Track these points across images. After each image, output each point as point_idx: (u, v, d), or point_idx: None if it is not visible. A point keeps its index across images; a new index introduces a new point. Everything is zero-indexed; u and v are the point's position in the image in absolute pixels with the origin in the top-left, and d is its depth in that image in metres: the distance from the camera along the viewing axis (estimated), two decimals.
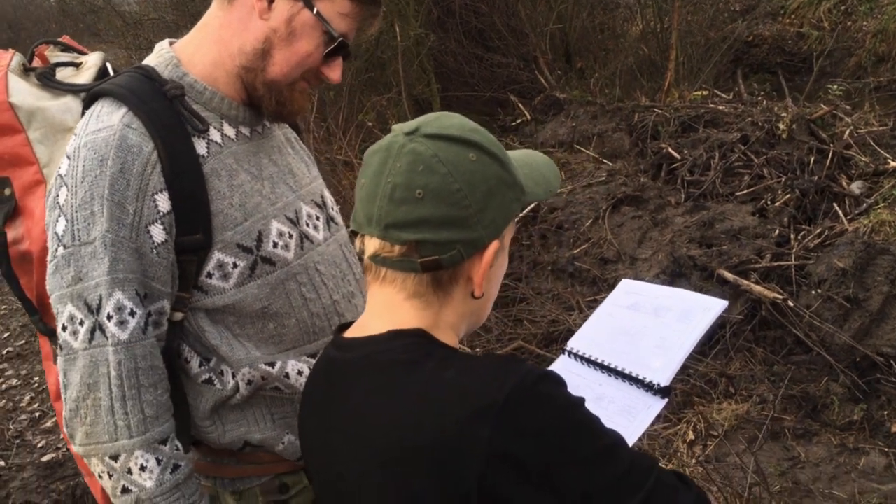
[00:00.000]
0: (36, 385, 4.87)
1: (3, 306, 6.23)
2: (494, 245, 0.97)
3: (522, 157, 1.08)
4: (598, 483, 0.88)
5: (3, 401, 4.74)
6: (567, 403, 0.91)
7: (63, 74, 1.58)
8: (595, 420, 0.93)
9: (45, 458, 4.01)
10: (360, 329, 1.04)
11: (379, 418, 0.94)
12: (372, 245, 0.98)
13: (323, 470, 1.07)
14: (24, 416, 4.51)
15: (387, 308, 1.01)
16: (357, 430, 0.97)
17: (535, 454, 0.87)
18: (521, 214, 5.01)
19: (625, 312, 1.48)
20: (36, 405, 4.61)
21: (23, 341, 5.56)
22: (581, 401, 0.93)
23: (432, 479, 0.88)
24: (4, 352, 5.46)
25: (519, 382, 0.88)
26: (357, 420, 0.97)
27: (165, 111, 1.26)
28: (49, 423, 4.36)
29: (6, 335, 5.77)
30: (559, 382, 0.93)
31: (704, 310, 1.38)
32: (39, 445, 4.17)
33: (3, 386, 4.94)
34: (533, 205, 5.05)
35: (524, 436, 0.86)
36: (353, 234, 1.02)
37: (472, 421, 0.86)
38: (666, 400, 1.30)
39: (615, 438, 0.93)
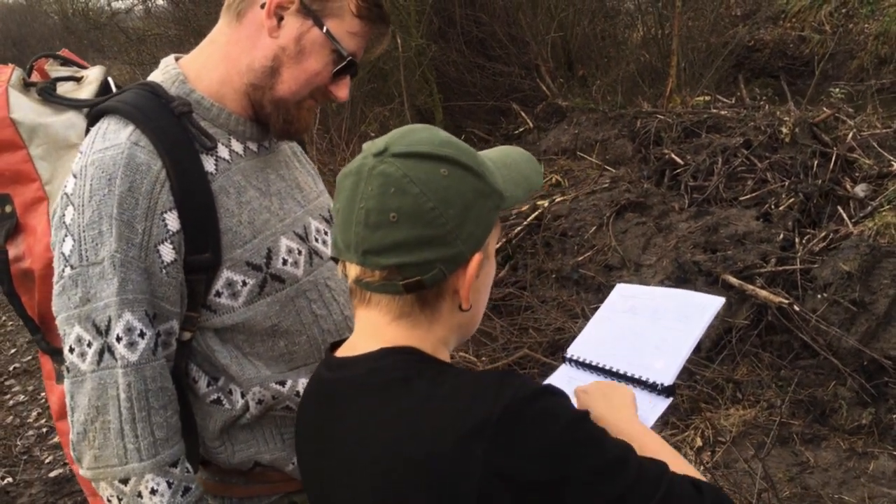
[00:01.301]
0: (43, 401, 4.87)
1: (11, 322, 6.25)
2: (477, 257, 0.95)
3: (500, 158, 1.05)
4: (601, 498, 0.86)
5: (11, 417, 4.75)
6: (567, 419, 0.88)
7: (64, 89, 1.57)
8: (597, 434, 0.90)
9: (52, 474, 4.01)
10: (351, 348, 1.02)
11: (374, 438, 0.92)
12: (353, 270, 0.97)
13: (318, 492, 1.05)
14: (31, 432, 4.51)
15: (375, 329, 0.99)
16: (351, 450, 0.95)
17: (531, 473, 0.84)
18: (524, 223, 5.01)
19: (623, 316, 1.48)
20: (43, 421, 4.62)
21: (29, 357, 5.57)
22: (584, 414, 0.91)
23: (429, 500, 0.87)
24: (11, 368, 5.47)
25: (514, 396, 0.86)
26: (351, 440, 0.96)
27: (173, 128, 1.25)
28: (56, 439, 4.36)
29: (13, 351, 5.79)
30: (558, 395, 0.91)
31: (702, 308, 1.38)
32: (47, 461, 4.17)
33: (11, 402, 4.95)
34: (537, 213, 5.05)
35: (520, 455, 0.84)
36: (336, 260, 1.01)
37: (466, 439, 0.84)
38: (671, 399, 1.30)
39: (620, 451, 0.90)
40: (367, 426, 0.93)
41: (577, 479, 0.85)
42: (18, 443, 4.40)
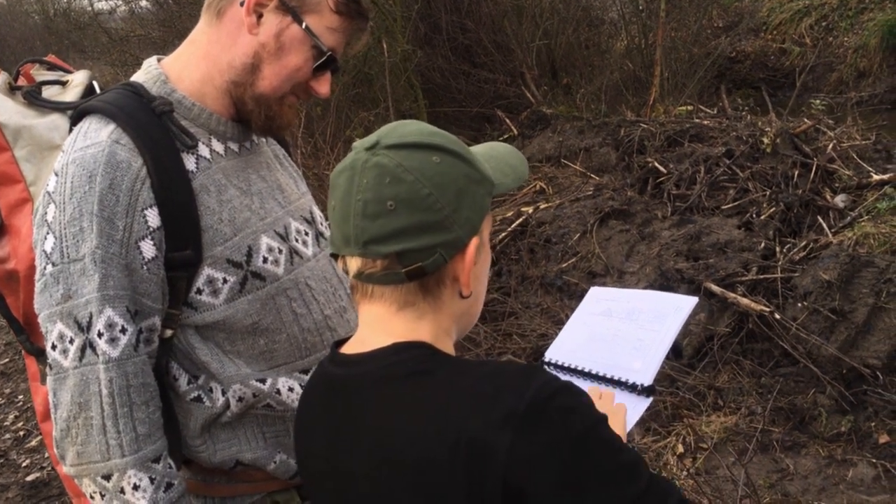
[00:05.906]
0: (20, 404, 4.81)
1: None
2: (474, 242, 0.98)
3: (486, 151, 1.09)
4: (615, 499, 0.88)
5: None
6: (588, 418, 0.91)
7: (49, 93, 1.58)
8: (614, 437, 0.93)
9: (29, 478, 3.96)
10: (360, 345, 1.02)
11: (398, 431, 0.93)
12: (354, 264, 0.98)
13: (331, 491, 1.04)
14: (8, 436, 4.46)
15: (381, 322, 1.00)
16: (374, 446, 0.96)
17: (551, 466, 0.86)
18: (509, 229, 5.02)
19: (598, 319, 1.49)
20: (20, 424, 4.56)
21: (7, 359, 5.50)
22: (603, 417, 0.93)
23: (457, 486, 0.88)
24: None
25: (539, 391, 0.88)
26: (373, 435, 0.96)
27: (154, 127, 1.26)
28: (34, 443, 4.31)
29: None
30: (581, 394, 0.93)
31: (676, 309, 1.41)
32: (24, 465, 4.12)
33: None
34: (521, 219, 5.07)
35: (543, 447, 0.86)
36: (335, 257, 1.02)
37: (493, 428, 0.86)
38: (651, 399, 1.32)
39: (634, 457, 0.92)
40: (392, 419, 0.94)
41: (592, 477, 0.88)
42: None
